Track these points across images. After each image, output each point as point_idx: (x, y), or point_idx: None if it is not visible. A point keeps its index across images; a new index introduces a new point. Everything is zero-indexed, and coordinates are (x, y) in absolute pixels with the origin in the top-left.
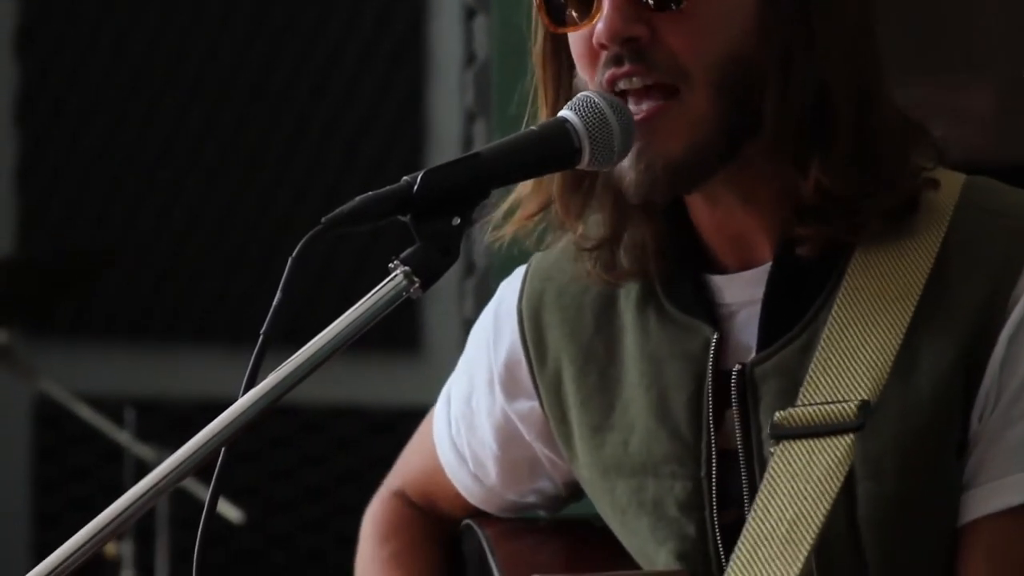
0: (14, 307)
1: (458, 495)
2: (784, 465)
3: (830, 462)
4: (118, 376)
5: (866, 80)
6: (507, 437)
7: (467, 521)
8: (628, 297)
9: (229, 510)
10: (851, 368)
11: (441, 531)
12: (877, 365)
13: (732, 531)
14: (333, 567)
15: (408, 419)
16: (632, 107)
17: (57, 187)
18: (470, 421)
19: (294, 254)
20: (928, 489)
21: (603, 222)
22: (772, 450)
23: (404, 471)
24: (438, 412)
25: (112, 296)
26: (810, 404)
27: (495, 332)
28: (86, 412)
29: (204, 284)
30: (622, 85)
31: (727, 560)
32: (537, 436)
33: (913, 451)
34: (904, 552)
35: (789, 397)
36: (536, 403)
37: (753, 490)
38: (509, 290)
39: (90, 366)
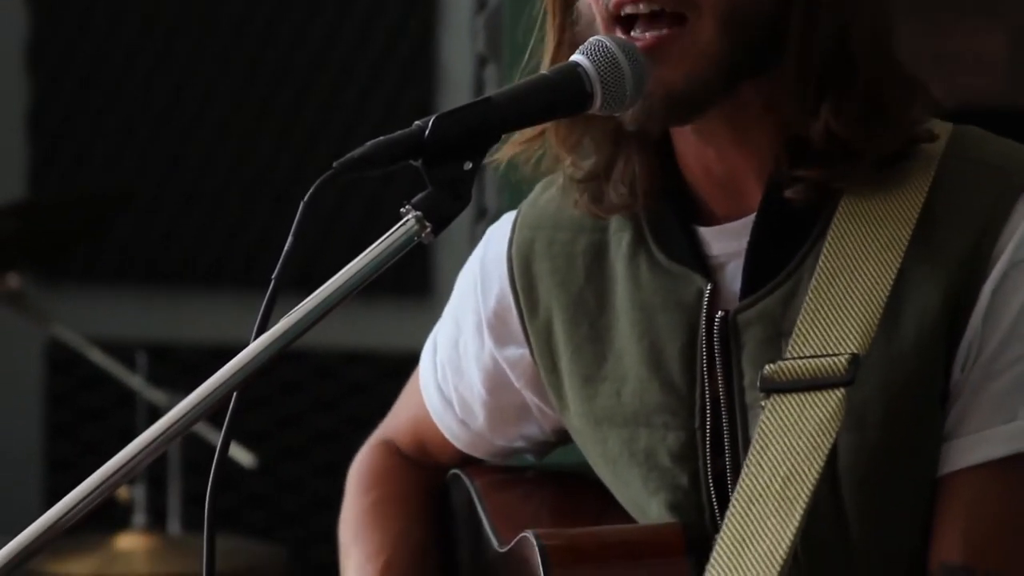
0: (26, 251)
1: (446, 442)
2: (775, 420)
3: (821, 417)
4: (130, 321)
5: (880, 26)
6: (495, 382)
7: (455, 471)
8: (619, 246)
9: (241, 455)
10: (840, 320)
11: (428, 481)
12: (865, 317)
13: (723, 481)
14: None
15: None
16: (637, 33)
17: (69, 131)
18: (457, 365)
19: (306, 199)
20: (910, 440)
21: (596, 153)
22: (763, 404)
23: (392, 421)
24: (424, 359)
25: (124, 241)
26: (800, 357)
27: (483, 278)
28: (98, 357)
29: (216, 229)
30: (628, 9)
31: (720, 510)
32: (527, 384)
33: (896, 401)
34: (884, 503)
35: (773, 345)
36: (526, 351)
37: (734, 439)
38: (497, 236)
39: (102, 311)
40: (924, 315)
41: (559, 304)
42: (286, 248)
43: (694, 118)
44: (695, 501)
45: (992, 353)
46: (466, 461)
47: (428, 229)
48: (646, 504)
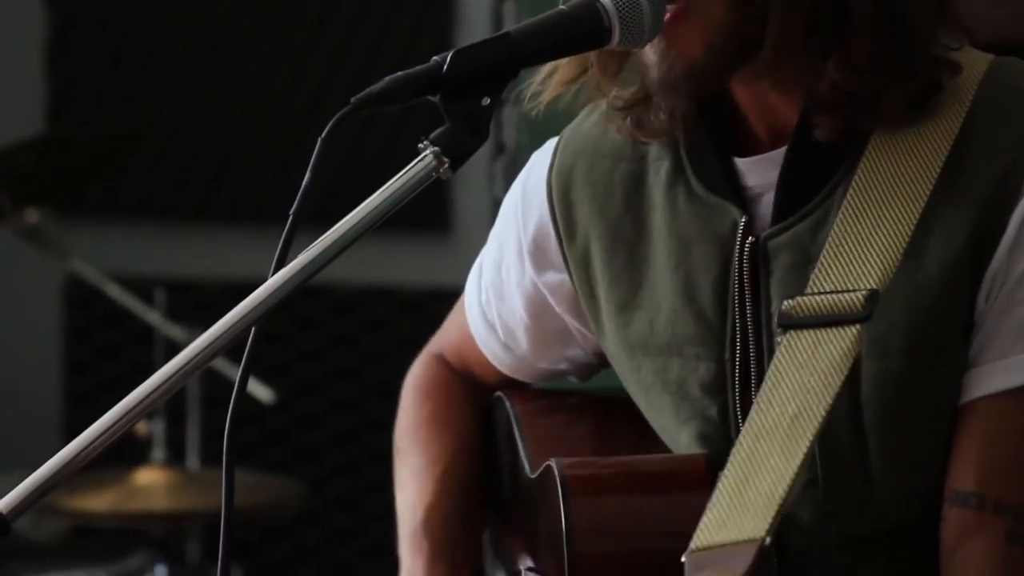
0: (45, 187)
1: (490, 364)
2: (789, 355)
3: (835, 353)
4: (148, 256)
5: None
6: (537, 308)
7: (498, 394)
8: (657, 175)
9: (260, 390)
10: (863, 253)
11: (479, 395)
12: (889, 251)
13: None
14: (363, 447)
15: (438, 300)
16: None
17: (87, 67)
18: (500, 291)
19: (323, 135)
20: (933, 369)
21: (637, 81)
22: (779, 340)
23: (443, 337)
24: (470, 282)
25: (143, 176)
26: (819, 293)
27: (524, 204)
28: (116, 292)
29: (234, 164)
30: None
31: None
32: (567, 309)
33: (920, 331)
34: (906, 434)
35: (801, 274)
36: (565, 276)
37: (760, 371)
38: (539, 162)
39: (120, 246)
40: (950, 245)
41: (597, 231)
42: (304, 184)
43: (717, 86)
44: (723, 433)
45: (1016, 283)
46: (510, 383)
47: (446, 165)
48: (676, 433)
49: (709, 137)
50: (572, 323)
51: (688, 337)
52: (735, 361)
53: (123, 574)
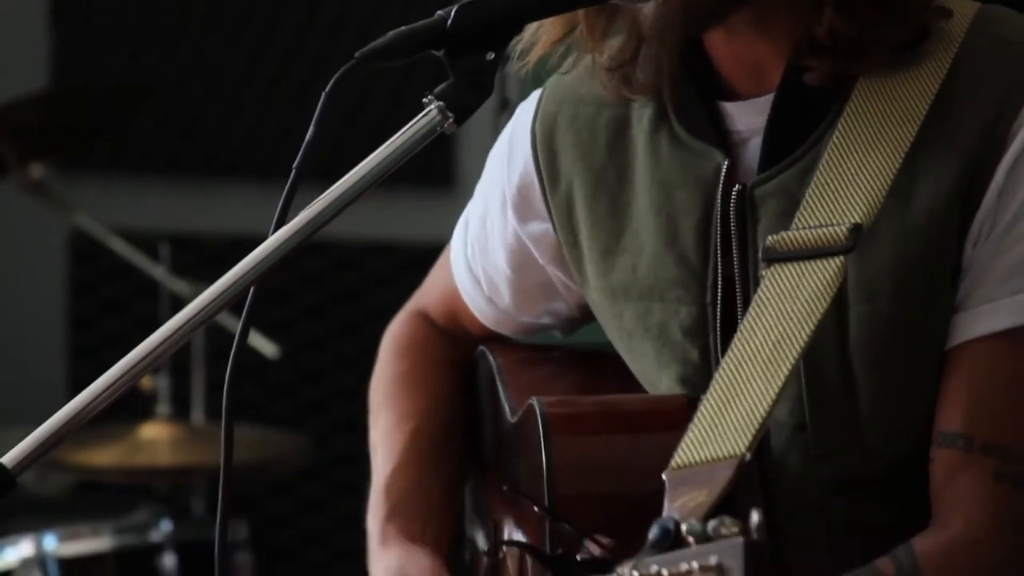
0: (49, 141)
1: (474, 318)
2: (773, 288)
3: (818, 284)
4: (153, 211)
5: None
6: (520, 261)
7: (482, 348)
8: (640, 122)
9: (264, 345)
10: (847, 191)
11: (459, 353)
12: (874, 188)
13: None
14: (366, 402)
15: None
16: None
17: (93, 20)
18: (484, 244)
19: (327, 89)
20: (921, 314)
21: (624, 39)
22: (763, 274)
23: (427, 292)
24: (456, 234)
25: (148, 131)
26: (803, 228)
27: (509, 154)
28: (121, 247)
29: (239, 119)
30: None
31: None
32: (551, 259)
33: (908, 275)
34: (895, 378)
35: (788, 220)
36: (549, 225)
37: (745, 314)
38: (524, 112)
39: (125, 201)
40: (937, 190)
41: (580, 177)
42: (308, 138)
43: (711, 26)
44: (704, 376)
45: (1004, 228)
46: (495, 338)
47: (450, 119)
48: (658, 378)
49: (693, 83)
50: (555, 274)
51: (669, 281)
52: (716, 304)
53: (128, 528)
